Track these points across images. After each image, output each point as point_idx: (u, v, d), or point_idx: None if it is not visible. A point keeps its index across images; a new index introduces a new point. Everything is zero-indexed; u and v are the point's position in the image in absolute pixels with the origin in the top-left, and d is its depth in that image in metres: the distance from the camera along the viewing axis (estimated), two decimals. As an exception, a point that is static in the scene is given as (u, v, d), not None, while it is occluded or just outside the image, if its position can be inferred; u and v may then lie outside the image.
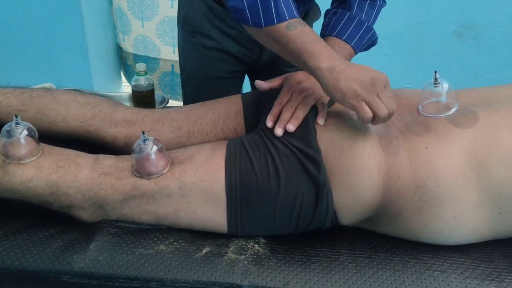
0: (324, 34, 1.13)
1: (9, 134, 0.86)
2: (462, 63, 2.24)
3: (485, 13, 2.13)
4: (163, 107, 1.43)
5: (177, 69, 2.29)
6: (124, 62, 2.49)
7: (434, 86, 0.95)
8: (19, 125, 0.86)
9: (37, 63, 2.35)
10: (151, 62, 2.30)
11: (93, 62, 2.33)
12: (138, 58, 2.37)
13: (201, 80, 1.33)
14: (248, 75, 1.44)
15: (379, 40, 1.18)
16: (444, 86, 0.95)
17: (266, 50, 1.27)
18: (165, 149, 0.91)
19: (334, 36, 1.10)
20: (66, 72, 2.35)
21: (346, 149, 0.87)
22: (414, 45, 2.24)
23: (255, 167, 0.88)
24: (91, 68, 2.32)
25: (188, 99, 1.39)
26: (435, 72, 0.96)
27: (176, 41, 2.17)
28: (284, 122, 0.92)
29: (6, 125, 0.87)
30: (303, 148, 0.88)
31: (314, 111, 0.94)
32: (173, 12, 2.12)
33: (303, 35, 0.88)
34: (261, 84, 1.00)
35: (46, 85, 1.55)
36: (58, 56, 2.33)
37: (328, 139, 0.89)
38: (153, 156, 0.88)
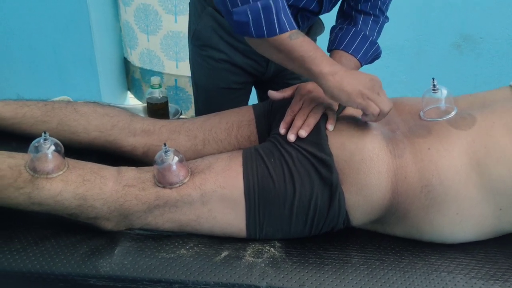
0: (331, 48, 1.19)
1: (37, 149, 0.90)
2: (461, 73, 2.31)
3: (483, 26, 2.20)
4: (176, 119, 1.48)
5: (181, 84, 2.35)
6: (131, 75, 2.54)
7: (433, 92, 1.01)
8: (47, 140, 0.90)
9: (47, 76, 2.40)
10: (156, 76, 2.34)
11: (102, 75, 2.39)
12: (144, 72, 2.42)
13: (211, 91, 1.39)
14: (255, 87, 1.50)
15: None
16: (443, 92, 1.01)
17: (272, 62, 1.32)
18: (185, 159, 0.96)
19: (341, 49, 1.16)
20: (75, 85, 2.41)
21: (356, 152, 0.92)
22: (415, 56, 2.31)
23: (271, 172, 0.93)
24: (100, 81, 2.38)
25: (199, 110, 1.45)
26: (433, 79, 1.02)
27: (179, 55, 2.24)
28: (297, 128, 0.97)
29: (35, 141, 0.91)
30: (315, 152, 0.93)
31: (324, 118, 1.00)
32: (177, 27, 2.18)
33: (304, 44, 0.94)
34: (273, 94, 1.05)
35: (64, 98, 1.60)
36: (67, 69, 2.38)
37: (338, 144, 0.94)
38: (174, 167, 0.92)
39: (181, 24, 2.16)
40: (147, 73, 2.37)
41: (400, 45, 2.28)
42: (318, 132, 0.96)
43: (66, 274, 0.89)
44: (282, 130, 0.99)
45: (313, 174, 0.92)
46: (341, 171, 0.93)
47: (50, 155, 0.90)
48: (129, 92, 2.68)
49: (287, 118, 1.00)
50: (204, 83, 1.39)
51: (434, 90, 1.01)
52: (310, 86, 1.03)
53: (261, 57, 1.30)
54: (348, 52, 1.15)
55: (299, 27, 1.22)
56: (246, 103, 1.45)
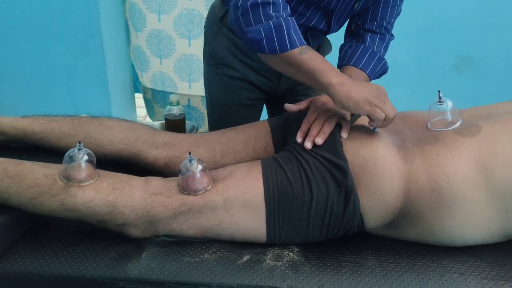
0: (342, 64, 1.26)
1: (72, 159, 0.95)
2: (461, 93, 2.37)
3: (481, 46, 2.28)
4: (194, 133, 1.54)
5: (193, 103, 2.44)
6: (144, 96, 2.62)
7: (439, 104, 1.07)
8: (81, 150, 0.96)
9: (59, 98, 2.47)
10: (168, 96, 2.43)
11: (113, 97, 2.45)
12: (156, 92, 2.51)
13: (225, 106, 1.45)
14: (266, 104, 1.57)
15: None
16: (448, 103, 1.06)
17: (283, 80, 1.40)
18: (207, 168, 1.01)
19: (351, 65, 1.23)
20: (87, 107, 2.46)
21: (369, 158, 0.98)
22: (416, 77, 2.38)
23: (290, 178, 0.98)
24: (111, 103, 2.44)
25: (214, 125, 1.51)
26: (439, 91, 1.08)
27: (192, 77, 2.34)
28: (313, 137, 1.03)
29: (69, 151, 0.96)
30: (331, 158, 0.99)
31: (338, 127, 1.06)
32: (191, 50, 2.29)
33: (313, 58, 1.02)
34: (290, 106, 1.12)
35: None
36: (79, 91, 2.45)
37: (353, 150, 1.00)
38: (198, 175, 0.98)
39: (194, 47, 2.29)
40: (158, 94, 2.45)
41: (402, 66, 2.36)
42: (333, 140, 1.02)
43: (96, 277, 0.93)
44: (299, 139, 1.05)
45: (329, 178, 0.98)
46: (355, 176, 0.98)
47: (83, 164, 0.95)
48: (138, 114, 2.75)
49: (304, 127, 1.06)
50: (219, 99, 1.46)
51: (440, 102, 1.07)
52: (324, 98, 1.09)
53: (273, 75, 1.37)
54: (358, 67, 1.22)
55: (309, 45, 1.30)
56: (258, 119, 1.52)
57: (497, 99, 2.43)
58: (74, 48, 2.36)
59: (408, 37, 2.28)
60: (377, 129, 1.05)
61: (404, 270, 0.95)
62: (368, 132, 1.04)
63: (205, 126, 2.43)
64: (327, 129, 1.04)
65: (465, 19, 2.25)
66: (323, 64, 1.02)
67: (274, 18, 1.02)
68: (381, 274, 0.94)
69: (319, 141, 1.02)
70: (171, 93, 2.40)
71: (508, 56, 2.29)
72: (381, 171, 0.97)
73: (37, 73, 2.42)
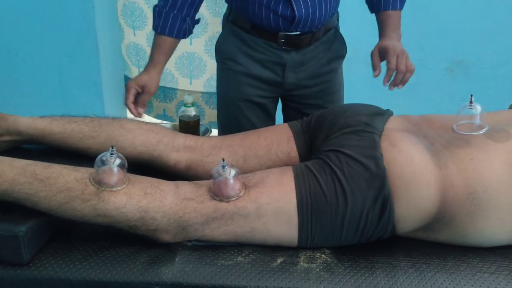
0: (376, 12, 1.42)
1: (104, 163, 0.93)
2: (454, 96, 2.43)
3: (474, 51, 2.34)
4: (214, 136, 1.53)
5: (194, 99, 2.43)
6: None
7: (469, 108, 1.08)
8: (113, 155, 0.93)
9: (51, 99, 2.41)
10: (169, 92, 2.45)
11: (107, 98, 2.41)
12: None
13: (231, 102, 1.47)
14: (283, 112, 1.57)
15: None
16: (478, 108, 1.07)
17: (288, 72, 1.40)
18: (240, 173, 0.99)
19: (382, 11, 1.40)
20: (79, 108, 2.41)
21: (406, 165, 0.98)
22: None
23: (323, 187, 0.97)
24: (105, 105, 2.40)
25: (221, 122, 1.52)
26: (471, 95, 1.08)
27: (193, 73, 2.37)
28: (402, 74, 1.25)
29: (101, 155, 0.94)
30: (369, 165, 0.97)
31: (378, 135, 1.04)
32: (192, 48, 2.31)
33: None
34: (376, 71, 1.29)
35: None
36: (71, 92, 2.40)
37: (389, 158, 0.99)
38: (231, 181, 0.96)
39: (196, 45, 2.30)
40: (159, 90, 2.44)
41: (397, 69, 2.39)
42: (373, 146, 1.01)
43: (129, 282, 0.91)
44: (385, 83, 1.26)
45: (365, 188, 0.96)
46: (392, 183, 0.97)
47: (115, 169, 0.93)
48: (129, 115, 2.70)
49: (390, 72, 1.28)
50: (225, 95, 1.49)
51: (470, 106, 1.08)
52: (388, 42, 1.32)
53: (277, 66, 1.39)
54: (389, 10, 1.40)
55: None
56: (270, 120, 1.51)
57: (489, 104, 2.49)
58: (68, 49, 2.31)
59: (403, 42, 2.32)
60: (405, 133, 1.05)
61: (436, 270, 0.97)
62: (402, 139, 1.03)
63: (204, 120, 2.46)
64: (408, 77, 1.27)
65: (459, 23, 2.30)
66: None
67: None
68: (415, 275, 0.95)
69: (400, 86, 1.24)
70: (171, 88, 2.42)
71: (500, 62, 2.35)
72: (418, 179, 0.96)
73: (27, 75, 2.36)
